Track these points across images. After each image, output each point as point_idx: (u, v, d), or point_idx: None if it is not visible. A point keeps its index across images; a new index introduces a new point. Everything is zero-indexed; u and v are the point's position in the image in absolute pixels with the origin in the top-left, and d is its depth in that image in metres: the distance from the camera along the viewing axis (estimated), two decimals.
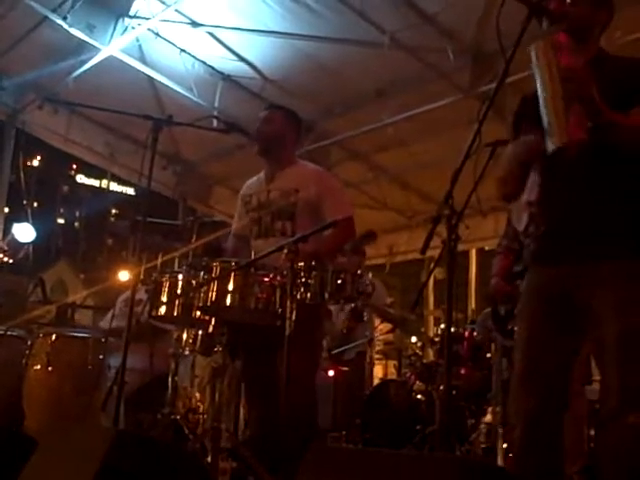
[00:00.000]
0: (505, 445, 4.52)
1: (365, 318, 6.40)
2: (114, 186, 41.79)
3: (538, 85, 2.19)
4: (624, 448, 2.15)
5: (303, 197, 3.83)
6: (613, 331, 2.20)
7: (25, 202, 8.37)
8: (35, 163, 40.32)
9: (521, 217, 3.68)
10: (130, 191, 39.00)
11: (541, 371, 2.34)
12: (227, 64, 7.05)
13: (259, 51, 6.86)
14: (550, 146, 2.15)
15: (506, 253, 4.34)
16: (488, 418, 4.95)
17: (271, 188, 3.96)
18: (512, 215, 4.22)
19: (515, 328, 4.23)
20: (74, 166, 45.44)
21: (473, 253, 10.29)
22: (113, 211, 42.11)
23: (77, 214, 46.24)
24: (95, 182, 46.66)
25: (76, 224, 46.59)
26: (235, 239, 4.11)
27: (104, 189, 43.50)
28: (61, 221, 45.86)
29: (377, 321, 6.68)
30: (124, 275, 8.03)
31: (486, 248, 9.89)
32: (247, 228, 4.01)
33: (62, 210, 46.12)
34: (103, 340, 4.36)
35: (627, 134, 2.23)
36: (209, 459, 3.58)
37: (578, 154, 2.22)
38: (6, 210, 8.18)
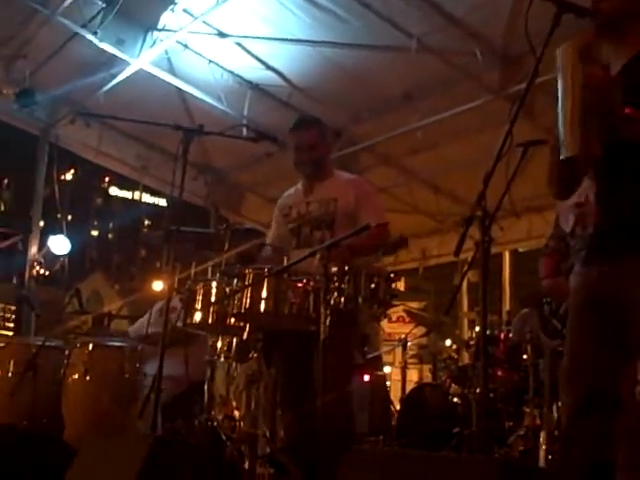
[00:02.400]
0: (545, 447, 4.48)
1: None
2: (146, 197, 42.17)
3: (559, 91, 2.15)
4: None
5: (342, 206, 3.86)
6: None
7: (59, 215, 8.47)
8: (68, 177, 40.82)
9: (568, 218, 3.63)
10: (162, 202, 39.28)
11: (588, 370, 2.28)
12: (255, 73, 7.09)
13: (287, 59, 6.89)
14: (562, 155, 2.11)
15: (552, 254, 4.30)
16: (526, 420, 4.90)
17: (310, 200, 3.98)
18: (560, 217, 4.17)
19: (559, 327, 4.22)
20: (107, 179, 45.94)
21: (506, 255, 10.20)
22: (146, 222, 42.43)
23: (110, 226, 46.72)
24: (128, 194, 47.09)
25: (110, 236, 47.09)
26: (271, 249, 4.13)
27: (136, 201, 43.88)
28: (95, 233, 46.37)
29: (411, 325, 6.66)
30: (158, 285, 8.10)
31: (520, 250, 9.81)
32: (284, 239, 4.03)
33: (96, 222, 46.63)
34: (139, 348, 4.39)
35: None
36: (246, 465, 3.60)
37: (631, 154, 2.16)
38: (41, 224, 8.29)
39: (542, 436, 4.50)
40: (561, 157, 2.09)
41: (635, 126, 2.12)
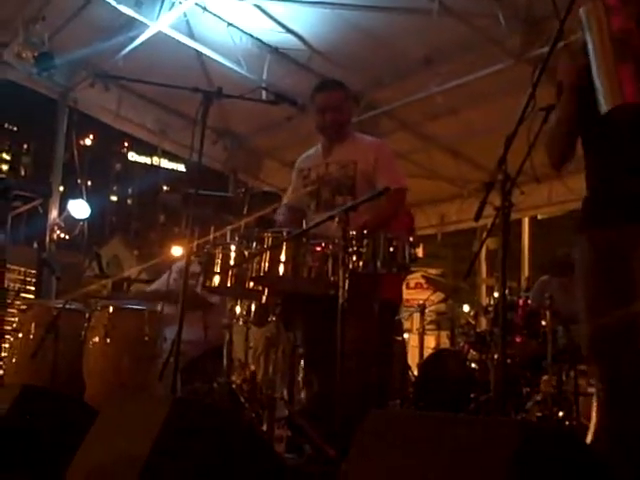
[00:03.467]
0: (562, 413, 4.49)
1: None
2: (165, 163, 42.23)
3: (590, 48, 2.12)
4: None
5: (362, 169, 3.84)
6: None
7: (79, 181, 8.49)
8: (88, 142, 40.94)
9: None
10: (181, 168, 39.43)
11: (608, 339, 2.29)
12: (274, 36, 7.03)
13: (306, 22, 6.82)
14: (603, 108, 2.08)
15: None
16: (544, 387, 4.90)
17: (329, 161, 3.96)
18: None
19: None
20: (125, 144, 46.05)
21: (526, 222, 10.16)
22: (165, 188, 42.57)
23: (129, 191, 46.94)
24: (147, 159, 47.24)
25: (129, 201, 47.32)
26: (287, 210, 4.12)
27: (155, 166, 43.98)
28: (114, 198, 46.62)
29: (429, 291, 6.65)
30: (177, 250, 8.14)
31: (539, 217, 9.75)
32: (303, 200, 4.02)
33: (115, 188, 46.85)
34: (158, 310, 4.43)
35: None
36: (265, 427, 3.63)
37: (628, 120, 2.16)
38: (61, 189, 8.32)
39: (560, 401, 4.51)
40: (603, 110, 2.07)
41: None
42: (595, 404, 2.41)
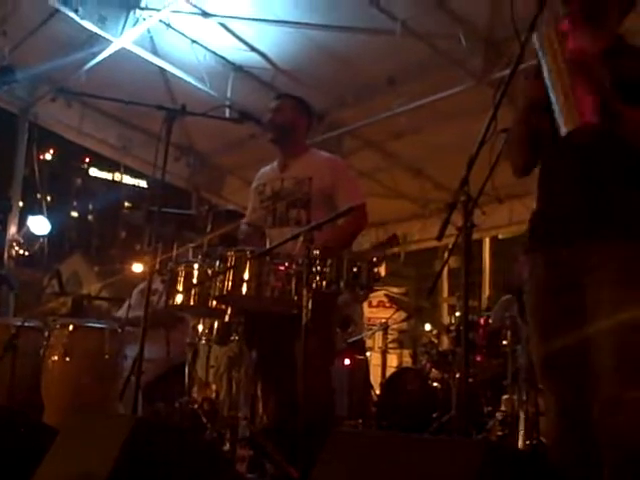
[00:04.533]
0: (522, 432, 4.52)
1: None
2: (127, 179, 41.83)
3: (545, 72, 2.16)
4: (623, 426, 2.12)
5: (317, 185, 3.83)
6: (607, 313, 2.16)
7: (39, 196, 8.39)
8: (48, 157, 40.44)
9: None
10: (143, 184, 39.06)
11: (560, 365, 2.31)
12: (239, 54, 7.05)
13: (270, 41, 6.85)
14: (563, 130, 2.12)
15: None
16: (505, 406, 4.94)
17: (285, 177, 3.96)
18: None
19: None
20: (87, 159, 45.57)
21: (487, 241, 10.27)
22: (126, 204, 42.16)
23: (90, 207, 46.41)
24: (108, 175, 46.77)
25: (90, 217, 46.78)
26: (248, 228, 4.11)
27: (117, 182, 43.59)
28: (75, 214, 46.04)
29: (391, 310, 6.68)
30: (138, 267, 8.08)
31: (500, 236, 9.86)
32: (261, 218, 4.01)
33: (75, 203, 46.29)
34: (119, 330, 4.38)
35: (632, 126, 2.19)
36: (227, 447, 3.61)
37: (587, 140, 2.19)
38: (20, 204, 8.21)
39: (520, 421, 4.54)
40: (564, 132, 2.10)
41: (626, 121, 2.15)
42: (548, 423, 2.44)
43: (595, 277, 2.22)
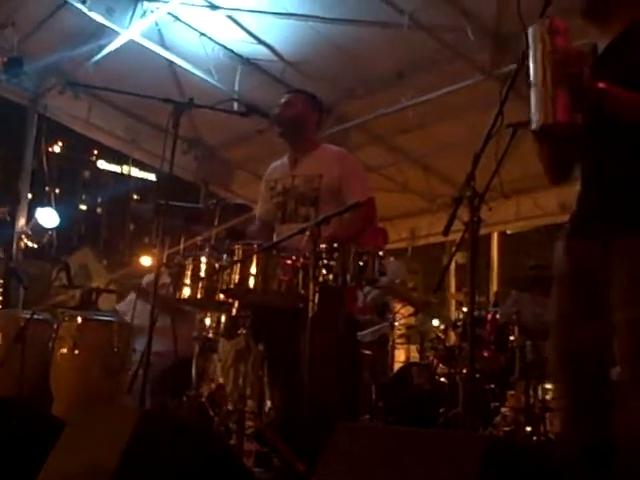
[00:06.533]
0: (529, 428, 4.52)
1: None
2: (135, 172, 41.85)
3: (530, 67, 2.16)
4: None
5: (326, 182, 3.85)
6: (624, 304, 2.16)
7: (47, 188, 8.41)
8: (56, 149, 40.50)
9: None
10: (152, 177, 39.11)
11: (575, 355, 2.31)
12: (247, 47, 7.03)
13: (278, 34, 6.83)
14: (534, 125, 2.12)
15: None
16: (511, 401, 4.94)
17: (295, 174, 3.97)
18: None
19: None
20: (95, 152, 45.62)
21: (495, 236, 10.25)
22: (135, 197, 42.18)
23: (99, 200, 46.48)
24: (116, 168, 46.81)
25: (98, 210, 46.86)
26: (260, 223, 4.13)
27: (126, 175, 43.62)
28: (83, 207, 46.12)
29: (398, 305, 6.66)
30: (146, 260, 8.09)
31: (508, 232, 9.84)
32: (271, 213, 4.02)
33: (84, 196, 46.37)
34: (127, 323, 4.39)
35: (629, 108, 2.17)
36: (234, 441, 3.62)
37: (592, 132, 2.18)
38: (29, 196, 8.23)
39: (526, 416, 4.54)
40: (534, 127, 2.10)
41: (610, 101, 2.14)
42: (559, 419, 2.43)
43: (615, 271, 2.21)
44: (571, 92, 2.09)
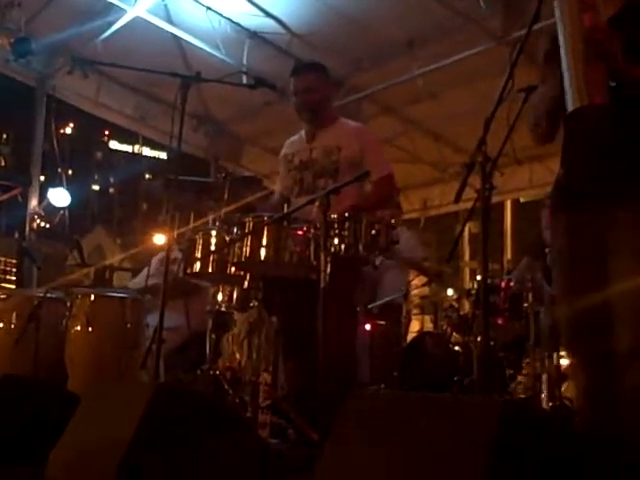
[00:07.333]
0: (545, 394, 4.51)
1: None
2: (147, 151, 41.98)
3: (560, 42, 2.11)
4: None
5: (346, 155, 3.83)
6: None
7: (60, 169, 8.41)
8: (68, 131, 40.57)
9: None
10: (163, 155, 39.22)
11: (587, 328, 2.29)
12: (253, 20, 6.96)
13: (285, 6, 6.76)
14: (569, 105, 2.09)
15: None
16: (527, 368, 4.92)
17: (313, 146, 3.96)
18: None
19: None
20: (106, 132, 45.68)
21: (508, 204, 10.19)
22: (147, 176, 42.30)
23: (112, 180, 46.64)
24: (128, 148, 46.92)
25: (111, 190, 47.02)
26: (280, 197, 4.12)
27: (137, 154, 43.71)
28: (96, 188, 46.31)
29: (412, 275, 6.63)
30: (159, 238, 8.10)
31: (521, 199, 9.77)
32: (289, 188, 4.01)
33: (97, 177, 46.52)
34: (140, 299, 4.40)
35: None
36: (249, 413, 3.63)
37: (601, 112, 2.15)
38: (41, 178, 8.25)
39: (542, 384, 4.53)
40: (569, 107, 2.06)
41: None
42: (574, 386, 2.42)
43: (618, 241, 2.19)
44: (606, 67, 2.05)
